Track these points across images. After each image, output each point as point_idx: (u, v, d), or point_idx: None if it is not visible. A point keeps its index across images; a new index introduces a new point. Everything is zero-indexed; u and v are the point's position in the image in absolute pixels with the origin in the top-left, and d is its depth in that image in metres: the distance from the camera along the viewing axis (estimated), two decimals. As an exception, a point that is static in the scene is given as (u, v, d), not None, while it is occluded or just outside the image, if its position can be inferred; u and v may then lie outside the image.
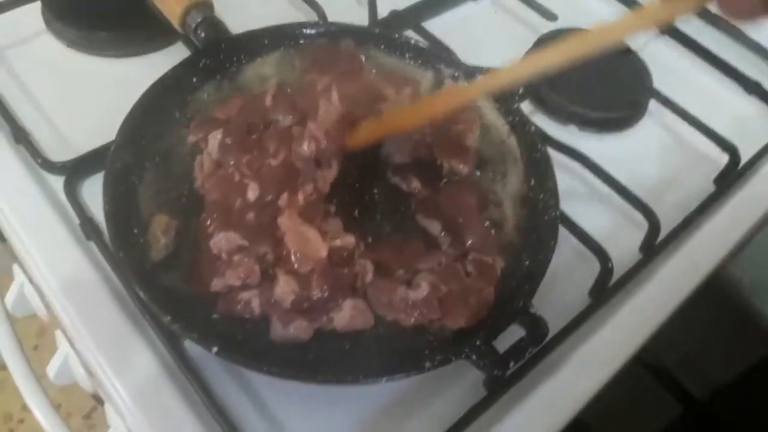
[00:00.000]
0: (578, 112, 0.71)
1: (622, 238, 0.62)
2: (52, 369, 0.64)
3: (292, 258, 0.50)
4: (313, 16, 0.74)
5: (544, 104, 0.72)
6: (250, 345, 0.47)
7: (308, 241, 0.51)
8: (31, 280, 0.64)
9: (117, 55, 0.73)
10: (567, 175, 0.64)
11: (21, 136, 0.62)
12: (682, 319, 0.62)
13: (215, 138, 0.57)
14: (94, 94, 0.69)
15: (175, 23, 0.67)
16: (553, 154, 0.61)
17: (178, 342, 0.51)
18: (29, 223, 0.59)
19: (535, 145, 0.59)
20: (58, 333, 0.65)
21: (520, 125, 0.61)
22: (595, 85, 0.73)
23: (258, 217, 0.52)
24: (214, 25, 0.65)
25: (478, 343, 0.46)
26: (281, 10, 0.79)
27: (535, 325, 0.48)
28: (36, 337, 1.39)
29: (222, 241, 0.51)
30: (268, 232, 0.52)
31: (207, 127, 0.58)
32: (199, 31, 0.65)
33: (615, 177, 0.63)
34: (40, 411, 0.71)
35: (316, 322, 0.48)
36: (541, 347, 0.51)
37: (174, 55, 0.72)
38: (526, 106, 0.69)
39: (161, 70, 0.62)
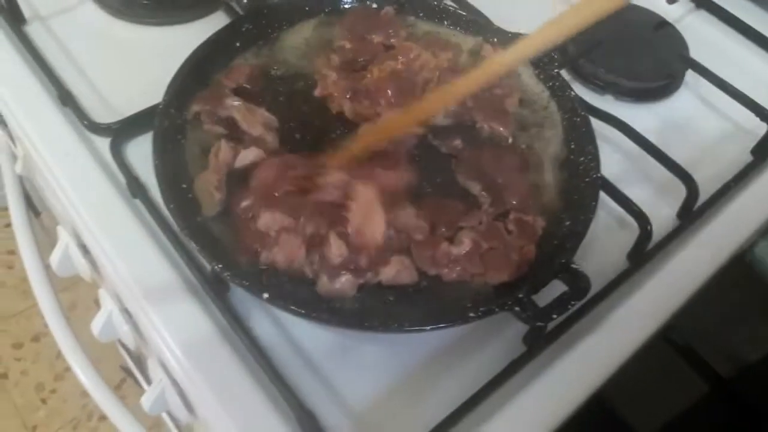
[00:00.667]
0: (615, 82, 0.71)
1: (660, 205, 0.62)
2: (96, 326, 0.65)
3: (350, 229, 0.50)
4: (351, -15, 0.75)
5: (580, 74, 0.73)
6: (298, 294, 0.48)
7: (372, 222, 0.50)
8: (77, 240, 0.65)
9: (158, 23, 0.74)
10: (605, 143, 0.65)
11: (68, 99, 0.64)
12: (710, 297, 0.63)
13: None
14: (136, 60, 0.70)
15: (217, -10, 0.68)
16: (592, 121, 0.62)
17: (225, 294, 0.52)
18: (77, 182, 0.60)
19: (575, 109, 0.60)
20: (102, 291, 0.66)
21: (560, 90, 0.61)
22: (632, 56, 0.73)
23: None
24: (256, -9, 0.67)
25: (521, 296, 0.47)
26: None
27: (577, 280, 0.48)
28: (68, 310, 1.42)
29: (269, 220, 0.51)
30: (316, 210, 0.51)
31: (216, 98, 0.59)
32: (241, -3, 0.66)
33: (653, 143, 0.63)
34: (81, 369, 0.73)
35: (362, 278, 0.49)
36: (579, 306, 0.52)
37: (214, 23, 0.73)
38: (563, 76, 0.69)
39: (201, 38, 0.63)
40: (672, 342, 0.98)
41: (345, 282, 0.49)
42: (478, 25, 0.67)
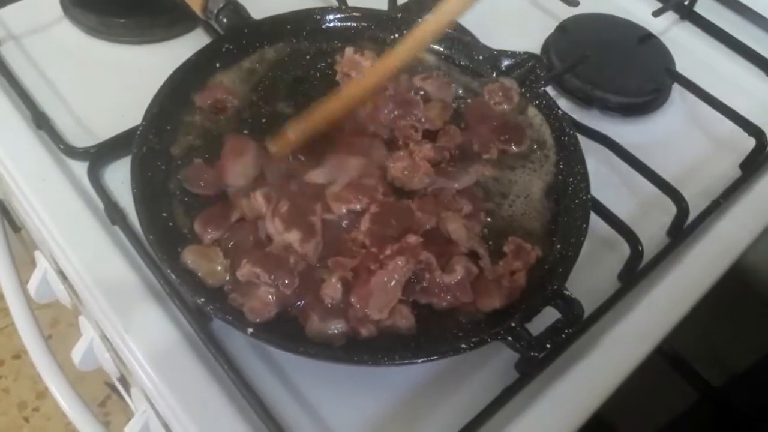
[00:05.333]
0: (601, 97, 0.71)
1: (649, 223, 0.61)
2: (76, 355, 0.64)
3: (358, 302, 0.48)
4: (333, 2, 0.74)
5: (566, 89, 0.72)
6: (284, 326, 0.47)
7: (388, 298, 0.48)
8: (55, 266, 0.64)
9: (135, 42, 0.72)
10: (592, 160, 0.64)
11: (43, 122, 0.62)
12: (700, 308, 0.62)
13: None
14: (113, 80, 0.68)
15: (197, 9, 0.66)
16: (579, 138, 0.61)
17: (207, 325, 0.50)
18: (53, 208, 0.58)
19: (563, 129, 0.59)
20: (82, 318, 0.65)
21: (547, 109, 0.60)
22: (618, 70, 0.72)
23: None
24: (236, 10, 0.65)
25: (513, 324, 0.45)
26: (301, -3, 0.78)
27: (570, 307, 0.47)
28: (50, 327, 1.39)
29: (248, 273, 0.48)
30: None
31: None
32: (221, 17, 0.65)
33: (641, 160, 0.62)
34: (60, 394, 0.71)
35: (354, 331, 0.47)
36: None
37: (193, 41, 0.72)
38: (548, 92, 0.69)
39: (180, 57, 0.61)
40: (662, 352, 0.97)
41: (334, 326, 0.47)
42: (463, 42, 0.66)
